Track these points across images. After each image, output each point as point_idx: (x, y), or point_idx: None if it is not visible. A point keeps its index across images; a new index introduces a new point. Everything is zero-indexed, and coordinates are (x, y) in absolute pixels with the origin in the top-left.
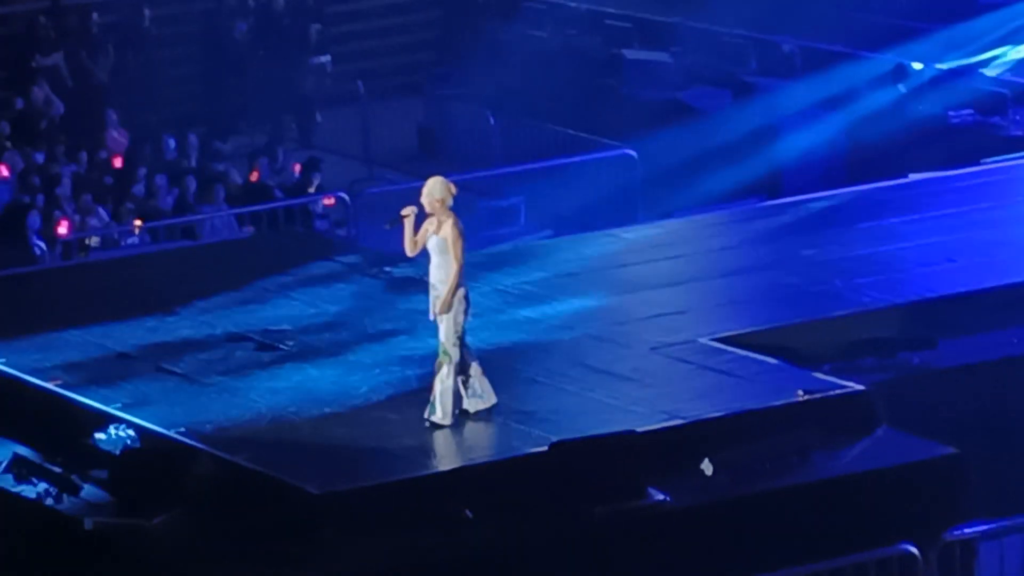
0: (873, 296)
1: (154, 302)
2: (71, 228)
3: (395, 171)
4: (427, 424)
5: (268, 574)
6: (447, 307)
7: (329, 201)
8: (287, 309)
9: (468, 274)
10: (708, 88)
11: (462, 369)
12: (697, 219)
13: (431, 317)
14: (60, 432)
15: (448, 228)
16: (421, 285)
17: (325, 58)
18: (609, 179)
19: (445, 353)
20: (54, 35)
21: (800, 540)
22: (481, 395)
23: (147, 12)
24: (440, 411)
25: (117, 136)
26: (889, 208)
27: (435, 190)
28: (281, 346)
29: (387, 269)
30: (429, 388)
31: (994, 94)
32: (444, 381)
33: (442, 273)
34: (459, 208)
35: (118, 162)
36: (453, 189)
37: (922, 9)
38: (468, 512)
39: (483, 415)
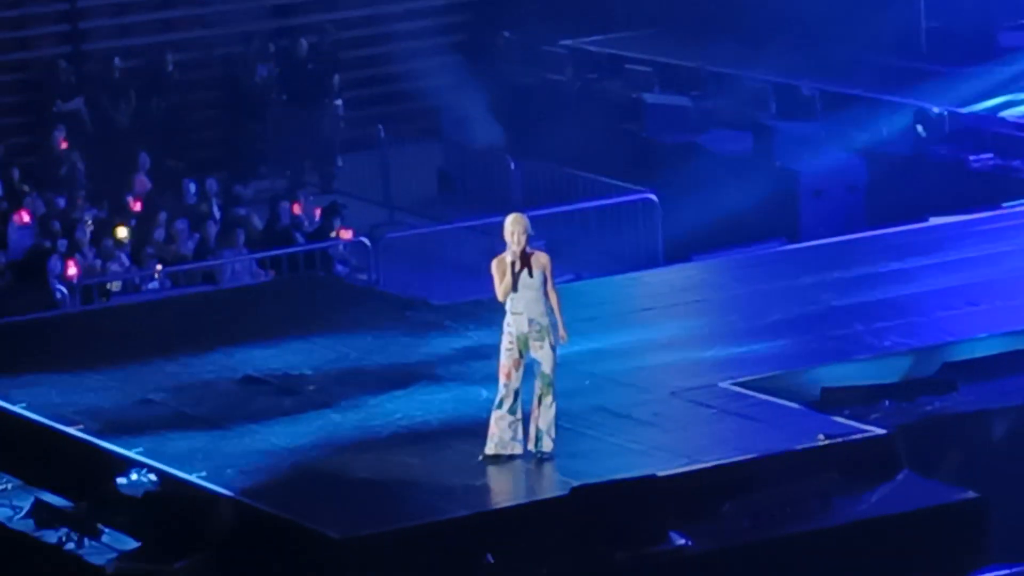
0: (894, 340)
1: (175, 346)
2: (86, 272)
3: (415, 215)
4: (539, 456)
5: None
6: (564, 334)
7: (347, 235)
8: (308, 354)
9: (490, 320)
10: (728, 132)
11: (513, 410)
12: (717, 262)
13: (534, 353)
14: (82, 476)
15: (544, 259)
16: (442, 329)
17: (338, 102)
18: (630, 223)
19: (549, 384)
20: (75, 80)
21: None
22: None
23: (169, 57)
24: (549, 441)
25: (144, 180)
26: (909, 252)
27: (523, 225)
28: (302, 391)
29: (408, 313)
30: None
31: (1014, 138)
32: (548, 410)
33: (542, 306)
34: (480, 254)
35: (138, 206)
36: None
37: (942, 53)
38: (489, 557)
39: (503, 459)
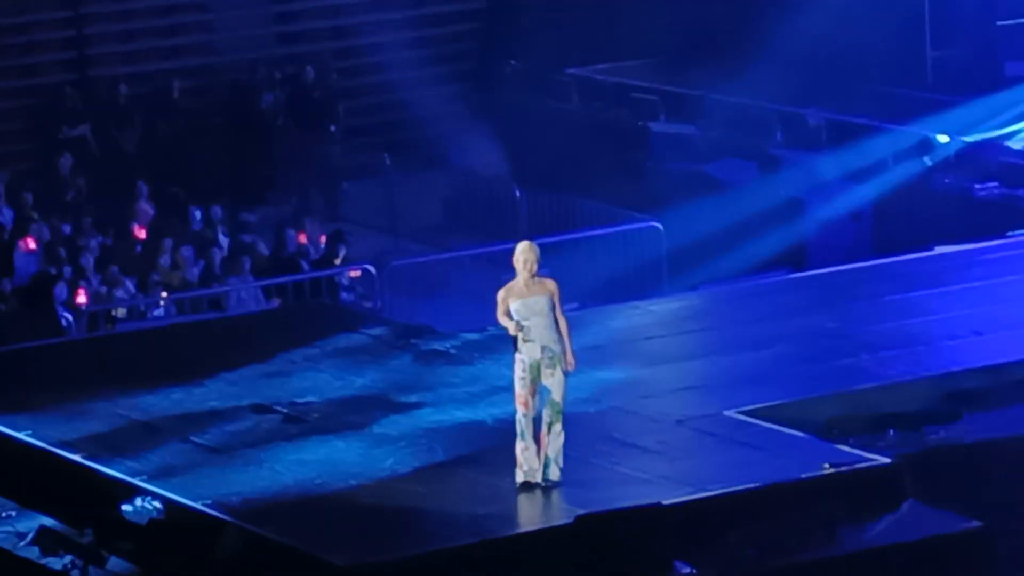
0: (899, 369)
1: (180, 373)
2: (92, 298)
3: (421, 243)
4: (546, 485)
5: None
6: (571, 360)
7: (355, 273)
8: (313, 381)
9: (496, 347)
10: (734, 160)
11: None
12: (723, 291)
13: (545, 380)
14: (87, 504)
15: (552, 285)
16: (447, 357)
17: (344, 130)
18: (635, 251)
19: (559, 412)
20: (81, 106)
21: None
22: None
23: (176, 83)
24: (557, 469)
25: (146, 207)
26: (915, 281)
27: (536, 254)
28: (307, 418)
29: (413, 341)
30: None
31: (1020, 167)
32: (557, 438)
33: (554, 333)
34: (486, 282)
35: (143, 233)
36: None
37: (948, 82)
38: None
39: (510, 488)
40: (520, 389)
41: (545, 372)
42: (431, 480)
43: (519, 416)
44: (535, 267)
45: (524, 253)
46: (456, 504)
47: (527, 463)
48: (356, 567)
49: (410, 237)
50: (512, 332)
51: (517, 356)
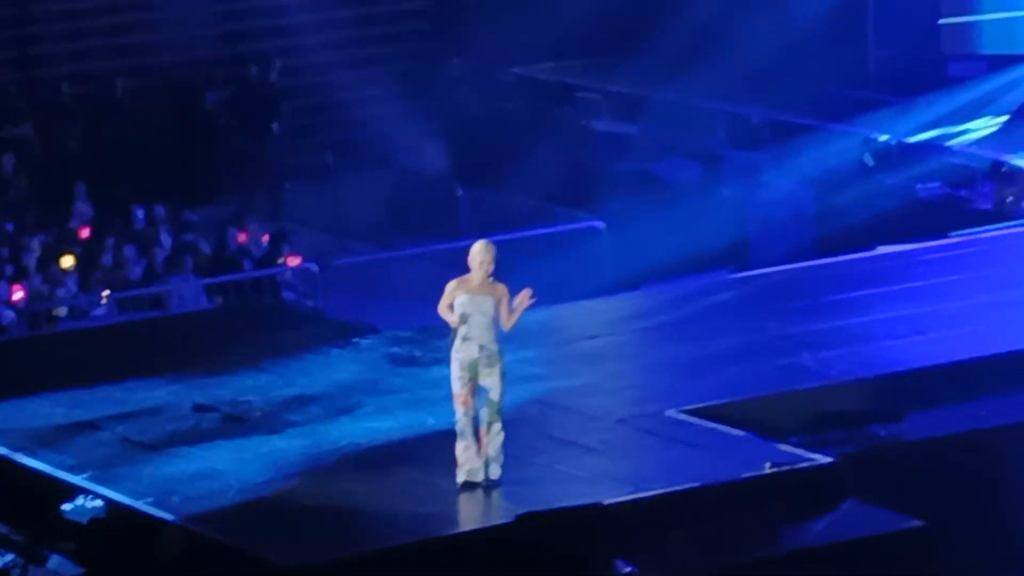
0: (840, 369)
1: (122, 372)
2: (33, 297)
3: (363, 242)
4: (486, 484)
5: None
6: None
7: (295, 261)
8: (255, 380)
9: (438, 346)
10: (677, 160)
11: (476, 437)
12: (665, 291)
13: (483, 380)
14: (27, 503)
15: (503, 290)
16: (389, 356)
17: (276, 127)
18: (578, 251)
19: (498, 411)
20: (24, 105)
21: None
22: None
23: (119, 83)
24: (497, 468)
25: (83, 207)
26: (857, 280)
27: (492, 254)
28: (249, 418)
29: (355, 341)
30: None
31: (962, 167)
32: (496, 437)
33: (492, 333)
34: (428, 281)
35: (86, 232)
36: None
37: (890, 82)
38: None
39: (448, 487)
40: (459, 388)
41: (483, 372)
42: (372, 480)
43: (459, 415)
44: (491, 267)
45: (480, 253)
46: (397, 504)
47: (468, 463)
48: (296, 567)
49: (353, 236)
50: (452, 325)
51: (454, 355)
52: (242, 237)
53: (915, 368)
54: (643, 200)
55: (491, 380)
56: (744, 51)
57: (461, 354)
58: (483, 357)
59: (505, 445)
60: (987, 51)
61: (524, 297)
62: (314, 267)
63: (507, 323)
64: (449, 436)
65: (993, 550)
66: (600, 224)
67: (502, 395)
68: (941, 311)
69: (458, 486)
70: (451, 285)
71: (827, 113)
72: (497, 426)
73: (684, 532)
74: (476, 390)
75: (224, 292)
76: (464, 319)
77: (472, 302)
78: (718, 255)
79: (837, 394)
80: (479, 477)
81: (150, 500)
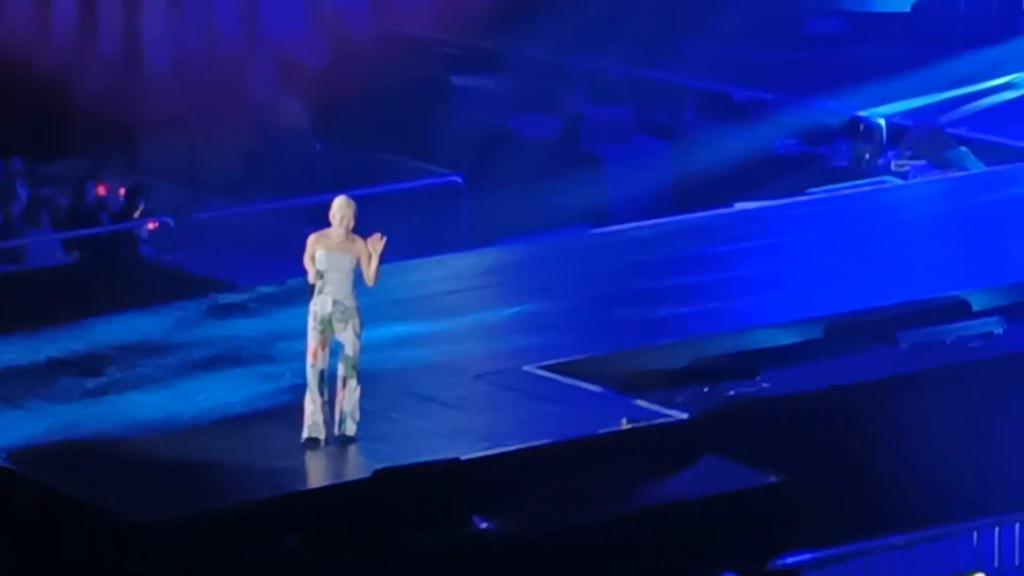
0: (698, 325)
1: None
2: None
3: (221, 196)
4: (343, 439)
5: None
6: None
7: (153, 225)
8: (111, 335)
9: (295, 301)
10: (536, 115)
11: (322, 391)
12: (524, 247)
13: (339, 335)
14: None
15: (363, 246)
16: (246, 311)
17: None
18: (436, 206)
19: (353, 367)
20: None
21: (624, 569)
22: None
23: None
24: (352, 424)
25: None
26: (715, 237)
27: (353, 209)
28: (105, 372)
29: (212, 295)
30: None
31: (820, 124)
32: (353, 393)
33: (348, 288)
34: (285, 235)
35: None
36: None
37: (749, 37)
38: (291, 539)
39: (319, 443)
40: (311, 341)
41: (338, 326)
42: (229, 434)
43: (308, 368)
44: (351, 223)
45: (340, 208)
46: (255, 458)
47: (310, 417)
48: (150, 522)
49: (210, 190)
50: (310, 279)
51: (310, 308)
52: (100, 190)
53: (771, 324)
54: (502, 156)
55: (346, 336)
56: (602, 3)
57: (316, 307)
58: (337, 312)
59: (363, 401)
60: (847, 7)
61: (375, 241)
62: (171, 221)
63: (369, 277)
64: (305, 390)
65: (849, 506)
66: (459, 179)
67: (358, 351)
68: (797, 268)
69: (302, 441)
70: (312, 238)
71: (686, 68)
72: (353, 382)
73: (542, 488)
74: (330, 345)
75: (81, 246)
76: (321, 274)
77: (329, 258)
78: (576, 211)
79: (694, 350)
80: (321, 433)
81: (4, 454)
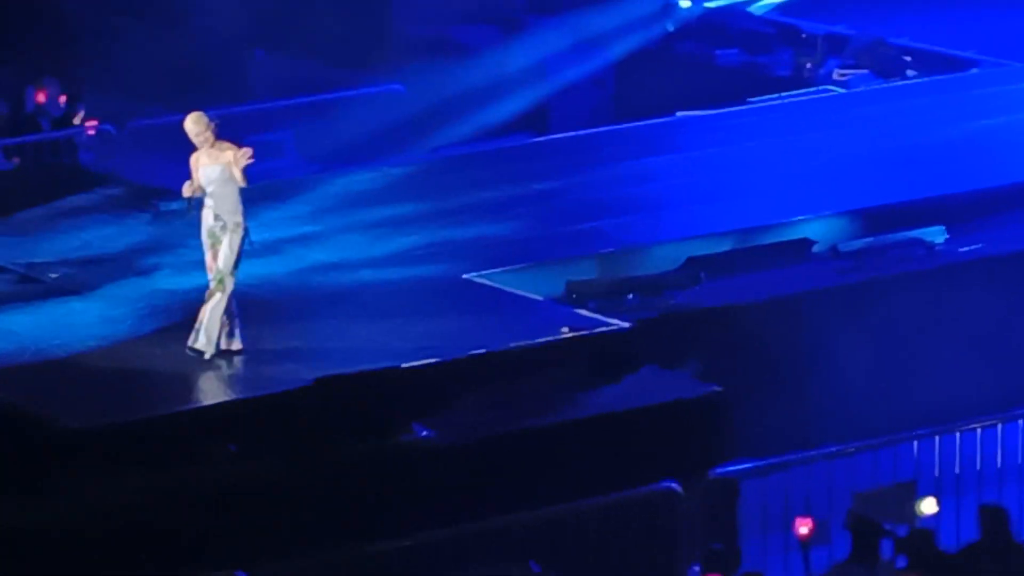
0: (639, 234)
1: None
2: None
3: (161, 104)
4: (189, 352)
5: (19, 507)
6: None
7: (92, 126)
8: (51, 242)
9: None
10: (477, 24)
11: (229, 304)
12: (464, 155)
13: (210, 250)
14: None
15: (231, 155)
16: (186, 217)
17: None
18: (377, 115)
19: (220, 282)
20: None
21: (565, 478)
22: (234, 337)
23: None
24: (204, 339)
25: None
26: (656, 146)
27: (202, 122)
28: (45, 279)
29: (153, 202)
30: (195, 317)
31: (761, 33)
32: (214, 310)
33: (227, 203)
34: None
35: None
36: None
37: None
38: (232, 447)
39: (248, 352)
40: (207, 254)
41: (220, 240)
42: (169, 342)
43: (209, 279)
44: (209, 137)
45: (191, 127)
46: (194, 366)
47: (207, 326)
48: (87, 429)
49: (151, 98)
50: (184, 194)
51: (203, 220)
52: (40, 97)
53: (712, 233)
54: (443, 64)
55: (221, 248)
56: None
57: (204, 221)
58: (218, 226)
59: (296, 311)
60: None
61: (241, 156)
62: (111, 129)
63: (238, 180)
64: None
65: (789, 415)
66: (400, 88)
67: (230, 265)
68: (739, 177)
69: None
70: (192, 158)
71: None
72: (217, 296)
73: (482, 396)
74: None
75: (21, 153)
76: (202, 188)
77: (203, 173)
78: (517, 120)
79: (635, 259)
80: (201, 344)
81: None
